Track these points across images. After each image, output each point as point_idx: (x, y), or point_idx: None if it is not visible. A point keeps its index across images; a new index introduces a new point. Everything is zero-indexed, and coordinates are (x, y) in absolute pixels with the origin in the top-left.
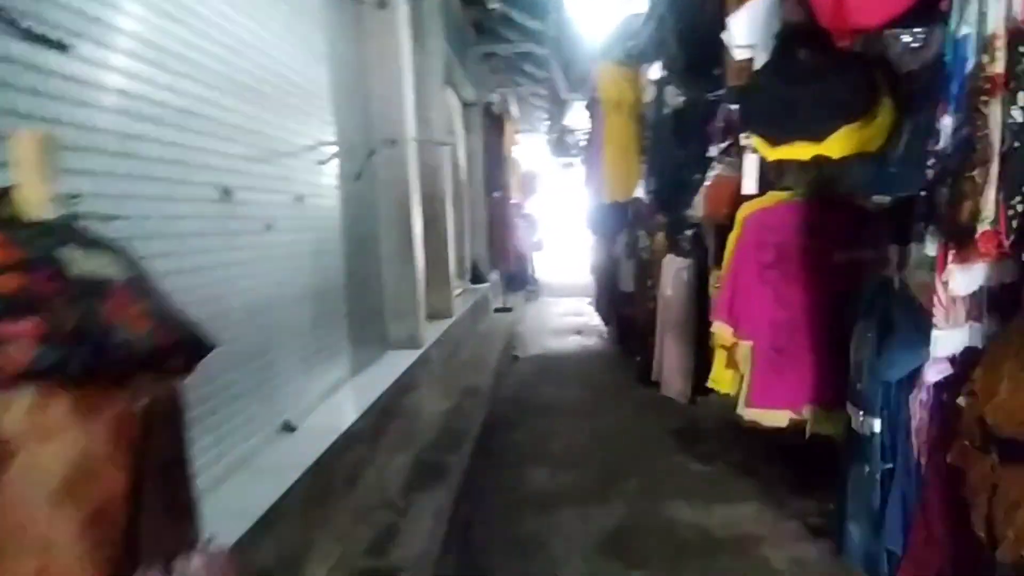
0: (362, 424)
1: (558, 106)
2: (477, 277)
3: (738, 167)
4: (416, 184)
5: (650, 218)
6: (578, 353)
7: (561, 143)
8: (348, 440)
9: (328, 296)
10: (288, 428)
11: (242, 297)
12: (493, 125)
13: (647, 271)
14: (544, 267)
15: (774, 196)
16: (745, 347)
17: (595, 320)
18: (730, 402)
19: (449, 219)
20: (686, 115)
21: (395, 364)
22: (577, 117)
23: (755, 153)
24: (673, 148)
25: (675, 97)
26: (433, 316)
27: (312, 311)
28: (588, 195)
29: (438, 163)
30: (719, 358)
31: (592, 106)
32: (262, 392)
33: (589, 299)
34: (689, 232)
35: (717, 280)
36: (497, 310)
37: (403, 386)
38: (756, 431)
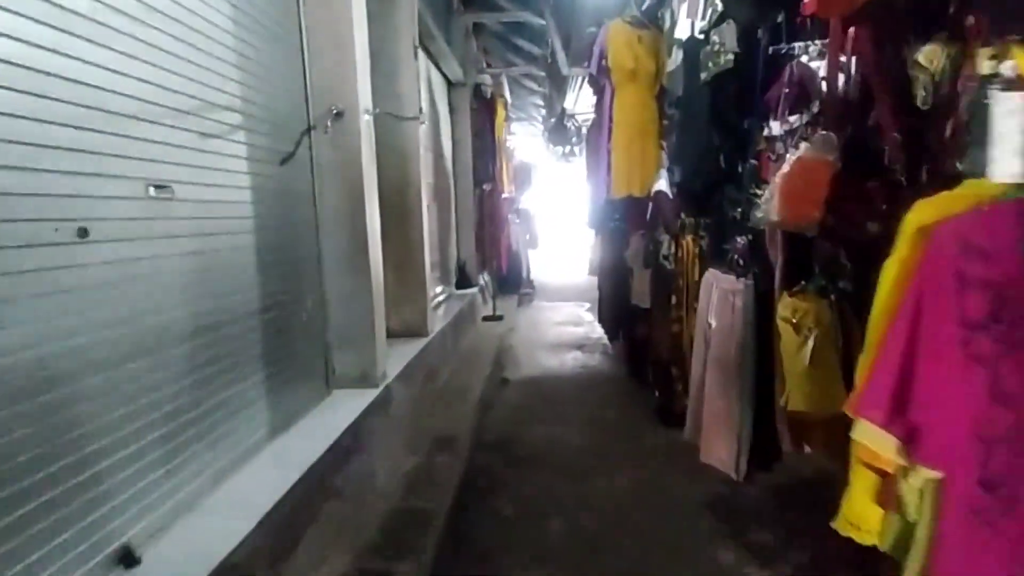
0: (273, 521)
1: (556, 86)
2: (464, 280)
3: (834, 144)
4: (372, 171)
5: (675, 218)
6: (579, 376)
7: (559, 130)
8: (240, 558)
9: (225, 330)
10: (127, 559)
11: (24, 355)
12: (483, 108)
13: (670, 285)
14: (539, 267)
15: (975, 190)
16: (925, 477)
17: (597, 331)
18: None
19: (427, 215)
20: (737, 77)
21: (338, 414)
22: (578, 99)
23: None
24: (711, 126)
25: (720, 55)
26: (404, 334)
27: (188, 358)
28: (590, 188)
29: (411, 147)
30: (860, 482)
31: (598, 79)
32: (76, 504)
33: (588, 305)
34: (741, 240)
35: (815, 328)
36: (486, 318)
37: (345, 447)
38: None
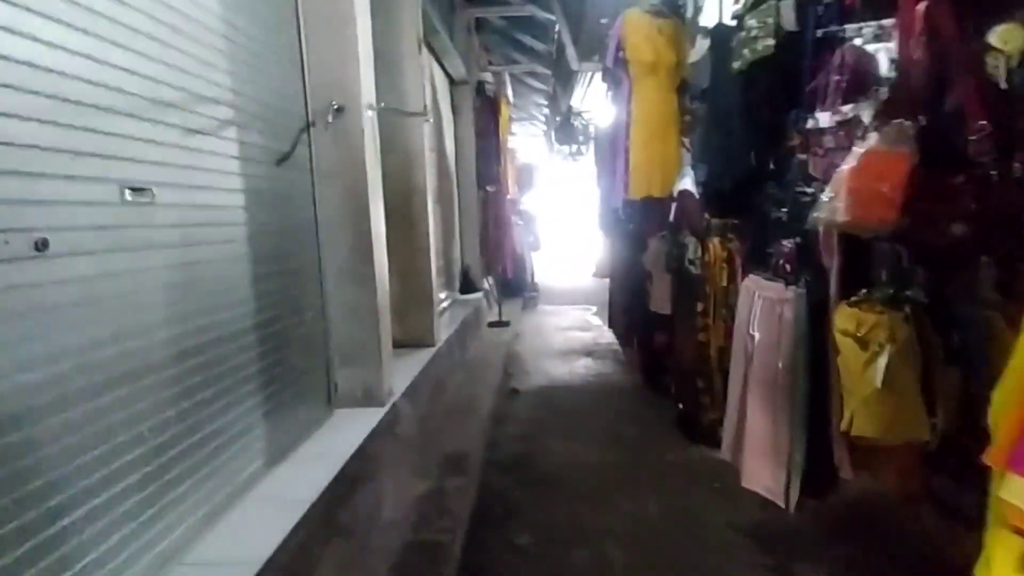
0: (271, 572)
1: (563, 83)
2: (468, 285)
3: (910, 135)
4: (377, 172)
5: (700, 220)
6: (592, 385)
7: (566, 129)
8: None
9: (216, 351)
10: None
11: None
12: (486, 107)
13: (695, 291)
14: (543, 269)
15: None
16: None
17: (606, 336)
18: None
19: (433, 218)
20: (776, 66)
21: (342, 437)
22: (586, 96)
23: None
24: (743, 120)
25: (758, 41)
26: (411, 345)
27: (173, 384)
28: (600, 189)
29: (416, 147)
30: (1004, 548)
31: (614, 73)
32: (40, 569)
33: (594, 308)
34: (788, 244)
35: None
36: (491, 324)
37: (350, 477)
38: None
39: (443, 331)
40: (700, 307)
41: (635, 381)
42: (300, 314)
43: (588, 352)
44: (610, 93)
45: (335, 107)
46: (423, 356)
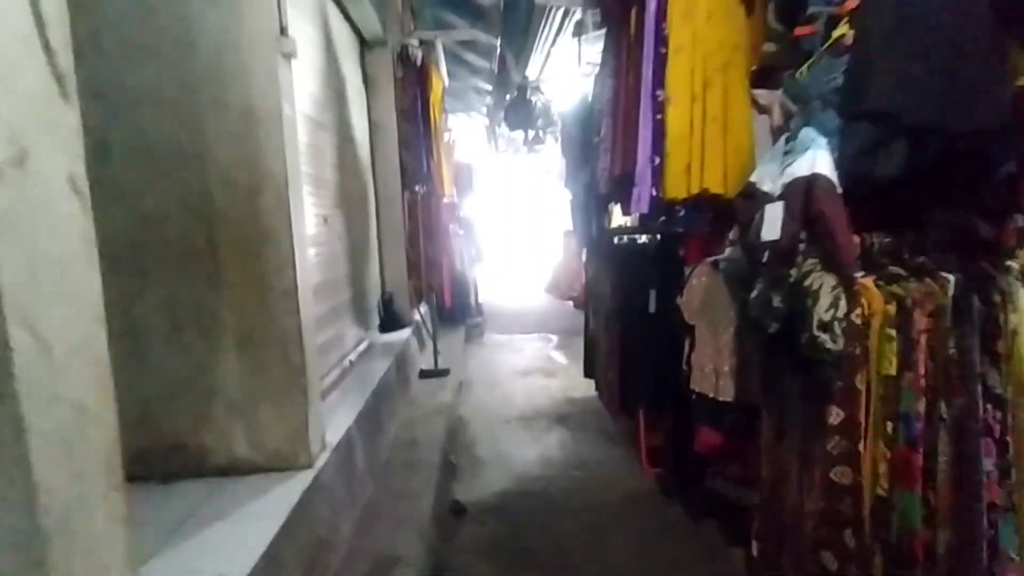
0: None
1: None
2: (392, 320)
3: None
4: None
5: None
6: (578, 490)
7: (519, 109)
8: None
9: None
10: None
11: None
12: (412, 80)
13: (828, 382)
14: (486, 286)
15: None
16: None
17: (578, 385)
18: None
19: (326, 231)
20: None
21: None
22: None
23: None
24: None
25: None
26: (264, 468)
27: None
28: (572, 188)
29: (267, 106)
30: None
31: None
32: None
33: (554, 339)
34: None
35: None
36: (425, 375)
37: None
38: None
39: (338, 420)
40: (840, 415)
41: (646, 484)
42: None
43: (561, 417)
44: (607, 23)
45: None
46: (287, 492)
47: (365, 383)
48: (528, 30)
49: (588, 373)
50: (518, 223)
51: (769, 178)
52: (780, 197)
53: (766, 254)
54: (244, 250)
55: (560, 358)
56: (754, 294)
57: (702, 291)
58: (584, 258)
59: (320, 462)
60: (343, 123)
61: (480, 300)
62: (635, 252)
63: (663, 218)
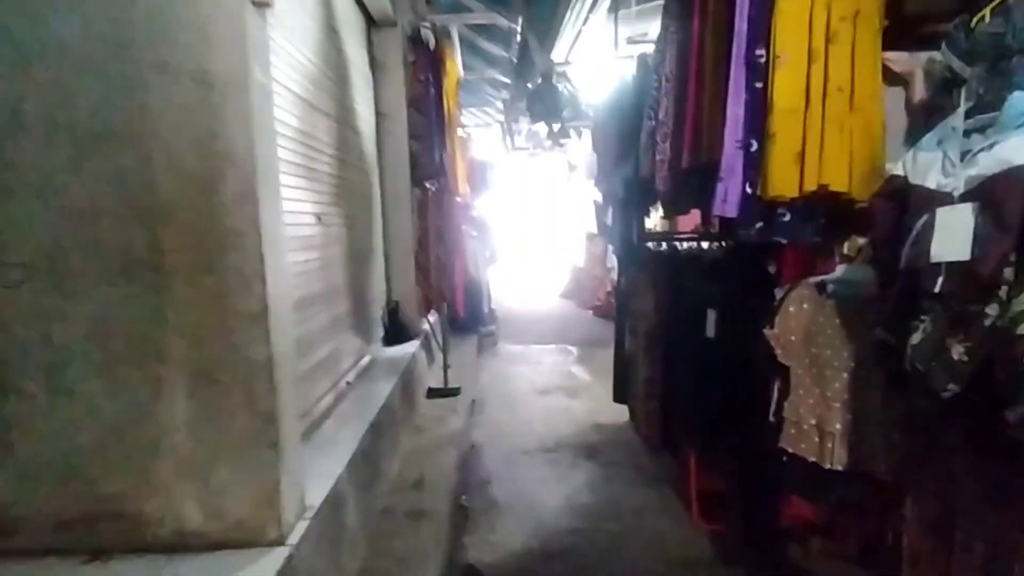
0: None
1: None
2: (398, 332)
3: None
4: None
5: None
6: (614, 545)
7: (543, 97)
8: None
9: None
10: None
11: None
12: (425, 64)
13: None
14: (499, 290)
15: None
16: None
17: (604, 409)
18: None
19: (277, 237)
20: None
21: None
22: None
23: None
24: None
25: None
26: (224, 544)
27: None
28: (607, 188)
29: (230, 72)
30: None
31: None
32: None
33: (574, 351)
34: None
35: None
36: (433, 394)
37: None
38: None
39: (322, 469)
40: None
41: (699, 544)
42: None
43: (589, 449)
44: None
45: None
46: None
47: (364, 410)
48: (556, 6)
49: (619, 398)
50: (533, 224)
51: (935, 170)
52: (970, 197)
53: (939, 281)
54: (198, 259)
55: (582, 374)
56: (917, 339)
57: (804, 321)
58: (613, 264)
59: (296, 535)
60: (345, 109)
61: (493, 306)
62: (689, 262)
63: (759, 224)
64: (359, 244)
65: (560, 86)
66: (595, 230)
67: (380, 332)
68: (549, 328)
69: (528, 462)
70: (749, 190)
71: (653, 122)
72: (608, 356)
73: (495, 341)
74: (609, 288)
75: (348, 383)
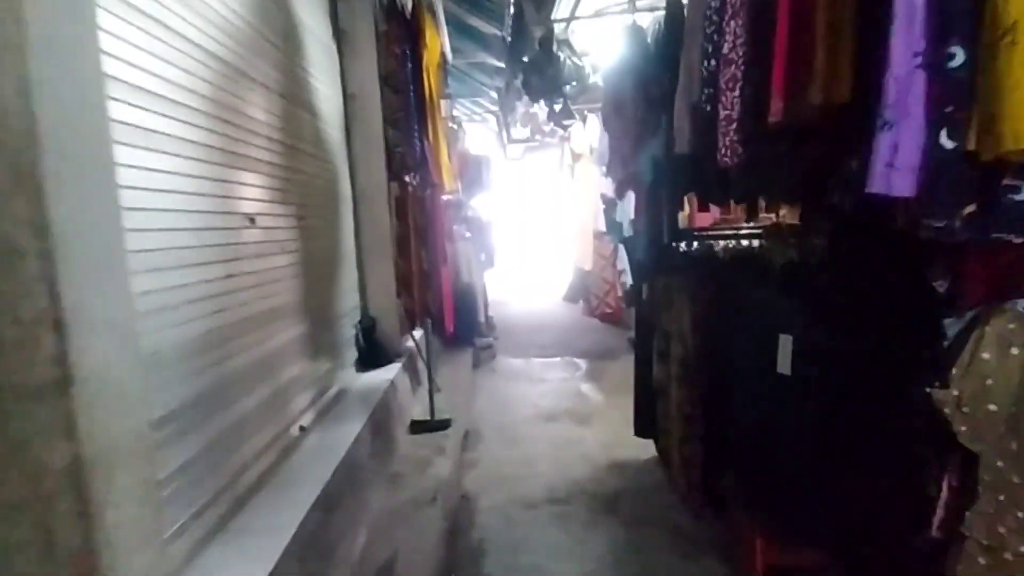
0: None
1: None
2: (375, 353)
3: None
4: None
5: None
6: None
7: (543, 68)
8: None
9: None
10: None
11: None
12: (399, 35)
13: None
14: (496, 293)
15: None
16: None
17: (621, 435)
18: None
19: (113, 252)
20: None
21: None
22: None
23: None
24: None
25: None
26: None
27: None
28: (626, 176)
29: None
30: None
31: None
32: None
33: (581, 365)
34: None
35: None
36: (417, 428)
37: None
38: None
39: None
40: None
41: None
42: None
43: (608, 500)
44: None
45: None
46: None
47: (316, 470)
48: None
49: (643, 432)
50: (532, 223)
51: None
52: None
53: None
54: None
55: (593, 393)
56: None
57: (1015, 378)
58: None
59: None
60: (297, 84)
61: (491, 314)
62: (747, 267)
63: (970, 208)
64: (320, 251)
65: (562, 55)
66: (603, 227)
67: (354, 355)
68: (553, 337)
69: (532, 520)
70: (948, 143)
71: (710, 64)
72: (620, 369)
73: (493, 355)
74: (620, 293)
75: (302, 428)
